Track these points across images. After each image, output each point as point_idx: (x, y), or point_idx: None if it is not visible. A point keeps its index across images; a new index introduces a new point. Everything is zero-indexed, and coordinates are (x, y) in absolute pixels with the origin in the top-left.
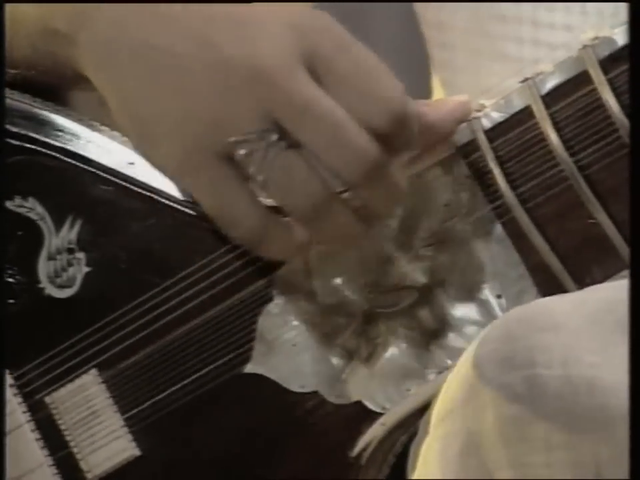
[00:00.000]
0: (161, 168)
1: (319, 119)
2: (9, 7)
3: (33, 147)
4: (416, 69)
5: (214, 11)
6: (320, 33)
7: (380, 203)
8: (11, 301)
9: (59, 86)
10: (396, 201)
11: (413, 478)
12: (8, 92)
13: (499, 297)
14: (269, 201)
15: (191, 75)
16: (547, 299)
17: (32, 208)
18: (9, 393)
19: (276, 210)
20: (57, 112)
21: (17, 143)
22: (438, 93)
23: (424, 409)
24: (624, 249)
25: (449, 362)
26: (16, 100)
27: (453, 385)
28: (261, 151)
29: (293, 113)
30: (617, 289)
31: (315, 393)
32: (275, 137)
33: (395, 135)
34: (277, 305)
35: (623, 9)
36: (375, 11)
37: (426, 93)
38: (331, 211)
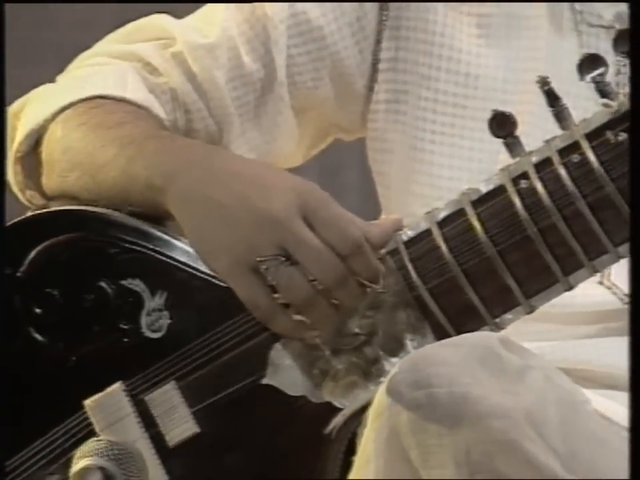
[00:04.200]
0: (216, 273)
1: (309, 249)
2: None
3: (139, 248)
4: (370, 206)
5: (248, 175)
6: (310, 194)
7: (346, 298)
8: (124, 340)
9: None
10: (358, 297)
11: (358, 452)
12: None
13: (412, 340)
14: (281, 299)
15: (234, 218)
16: (438, 343)
17: (138, 284)
18: (122, 395)
19: (286, 305)
20: (154, 227)
21: (130, 246)
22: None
23: (366, 407)
24: (488, 318)
25: (382, 379)
26: (131, 219)
27: (381, 396)
28: (275, 267)
29: (294, 245)
30: (480, 337)
31: (304, 396)
32: (283, 259)
33: (356, 258)
34: (281, 343)
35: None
36: (346, 172)
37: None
38: (317, 304)
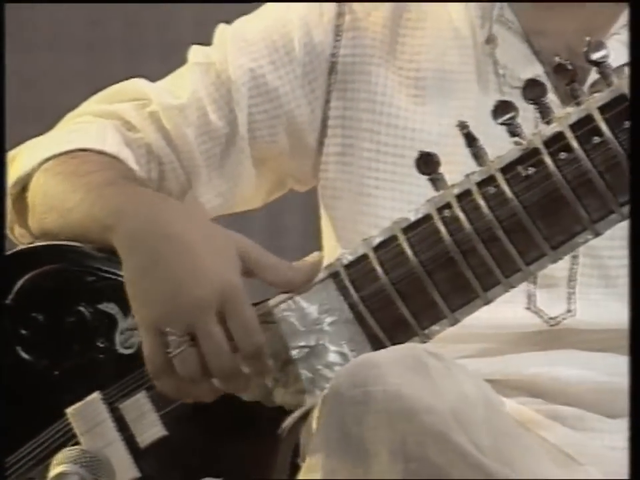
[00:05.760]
0: (135, 318)
1: (213, 343)
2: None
3: (112, 276)
4: (310, 243)
5: (187, 242)
6: (231, 292)
7: (230, 388)
8: (100, 356)
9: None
10: (239, 390)
11: (309, 446)
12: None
13: (352, 351)
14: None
15: (161, 282)
16: (374, 352)
17: (112, 308)
18: (100, 403)
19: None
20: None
21: (104, 274)
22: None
23: (311, 410)
24: (418, 329)
25: (327, 385)
26: (104, 251)
27: (325, 398)
28: (178, 343)
29: (202, 334)
30: (410, 347)
31: (258, 402)
32: (188, 337)
33: (252, 360)
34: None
35: None
36: (290, 214)
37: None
38: (201, 384)
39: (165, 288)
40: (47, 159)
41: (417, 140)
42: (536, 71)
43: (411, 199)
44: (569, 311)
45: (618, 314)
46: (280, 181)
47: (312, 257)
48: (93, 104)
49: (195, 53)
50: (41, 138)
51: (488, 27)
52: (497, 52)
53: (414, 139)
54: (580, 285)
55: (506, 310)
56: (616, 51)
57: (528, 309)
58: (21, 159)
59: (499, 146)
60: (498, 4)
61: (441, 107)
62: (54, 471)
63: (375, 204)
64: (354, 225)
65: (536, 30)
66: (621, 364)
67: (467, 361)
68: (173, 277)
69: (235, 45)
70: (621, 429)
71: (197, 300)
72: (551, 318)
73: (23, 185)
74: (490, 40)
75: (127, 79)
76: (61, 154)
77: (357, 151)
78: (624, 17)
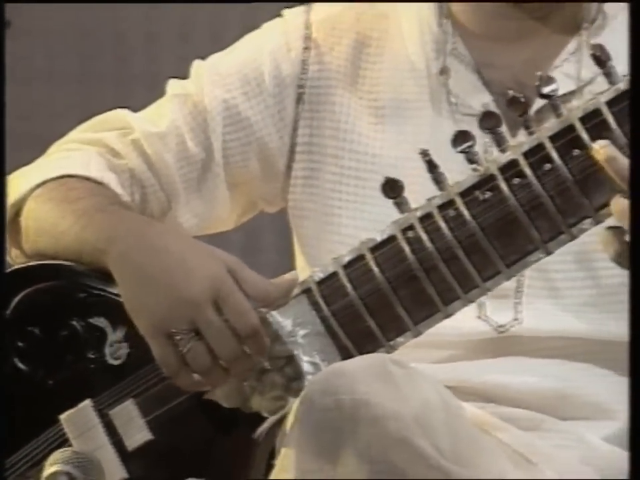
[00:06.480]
0: (138, 328)
1: (214, 330)
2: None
3: (102, 293)
4: (285, 260)
5: (175, 252)
6: (223, 284)
7: (238, 370)
8: (91, 366)
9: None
10: (248, 370)
11: (282, 449)
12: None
13: (323, 361)
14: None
15: (158, 289)
16: (343, 362)
17: (102, 322)
18: (91, 410)
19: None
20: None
21: (95, 291)
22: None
23: (286, 416)
24: (384, 341)
25: (300, 392)
26: (95, 270)
27: (298, 403)
28: (186, 340)
29: (203, 325)
30: (375, 357)
31: (237, 408)
32: (192, 333)
33: (251, 340)
34: None
35: None
36: (265, 234)
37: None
38: (215, 371)
39: (161, 294)
40: (38, 185)
41: (377, 164)
42: (485, 99)
43: (371, 218)
44: (515, 319)
45: (563, 323)
46: (252, 203)
47: (289, 275)
48: (79, 133)
49: (173, 85)
50: (32, 165)
51: (442, 60)
52: (450, 82)
53: (374, 163)
54: (526, 295)
55: (458, 318)
56: (560, 82)
57: (479, 317)
58: (13, 186)
59: (449, 168)
60: (451, 38)
61: (399, 133)
62: (48, 470)
63: (338, 223)
64: (320, 242)
65: (486, 62)
66: (566, 370)
67: (423, 366)
68: (166, 283)
69: (210, 78)
70: (570, 430)
71: (192, 296)
72: (500, 326)
73: (16, 209)
74: (443, 71)
75: (115, 108)
76: (50, 180)
77: (322, 175)
78: (566, 52)
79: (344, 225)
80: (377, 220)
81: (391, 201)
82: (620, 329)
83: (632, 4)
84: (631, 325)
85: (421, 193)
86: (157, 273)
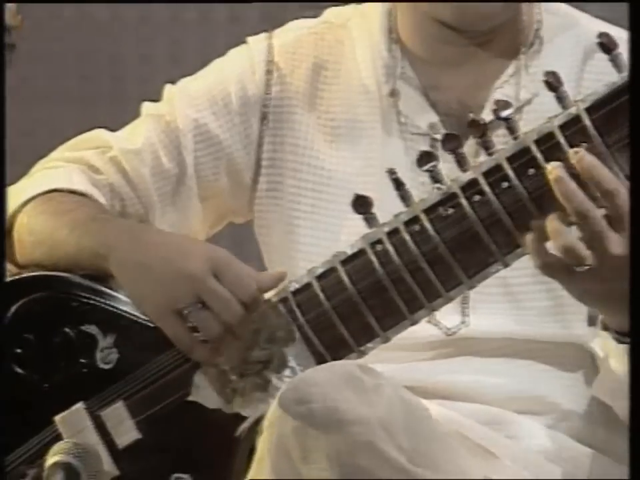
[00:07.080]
0: (148, 317)
1: (219, 297)
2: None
3: (93, 302)
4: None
5: (169, 243)
6: (218, 258)
7: (243, 332)
8: (84, 371)
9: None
10: (251, 333)
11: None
12: (84, 277)
13: (299, 366)
14: (200, 335)
15: (159, 275)
16: (315, 368)
17: (93, 329)
18: (83, 412)
19: (204, 340)
20: (103, 285)
21: (86, 300)
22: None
23: (262, 417)
24: (355, 347)
25: (277, 394)
26: (86, 280)
27: (272, 409)
28: (194, 312)
29: (207, 295)
30: (344, 364)
31: (219, 409)
32: (199, 305)
33: (251, 303)
34: (201, 370)
35: None
36: (251, 243)
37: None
38: (225, 337)
39: (163, 277)
40: (28, 201)
41: (333, 178)
42: (432, 119)
43: (327, 228)
44: (462, 322)
45: (507, 325)
46: (221, 214)
47: (277, 271)
48: (61, 152)
49: (147, 107)
50: (18, 184)
51: (392, 83)
52: (400, 104)
53: (330, 177)
54: (472, 300)
55: None
56: None
57: (429, 321)
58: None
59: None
60: (400, 63)
61: (352, 151)
62: (50, 460)
63: (297, 233)
64: (282, 250)
65: (432, 85)
66: (511, 368)
67: (384, 368)
68: (165, 267)
69: (182, 99)
70: (521, 422)
71: (192, 271)
72: (448, 329)
73: (8, 225)
74: (393, 94)
75: (112, 126)
76: (37, 195)
77: (284, 187)
78: (506, 74)
79: (302, 235)
80: (332, 230)
81: (344, 212)
82: (563, 330)
83: (632, 4)
84: (631, 325)
85: (375, 206)
86: (156, 262)
